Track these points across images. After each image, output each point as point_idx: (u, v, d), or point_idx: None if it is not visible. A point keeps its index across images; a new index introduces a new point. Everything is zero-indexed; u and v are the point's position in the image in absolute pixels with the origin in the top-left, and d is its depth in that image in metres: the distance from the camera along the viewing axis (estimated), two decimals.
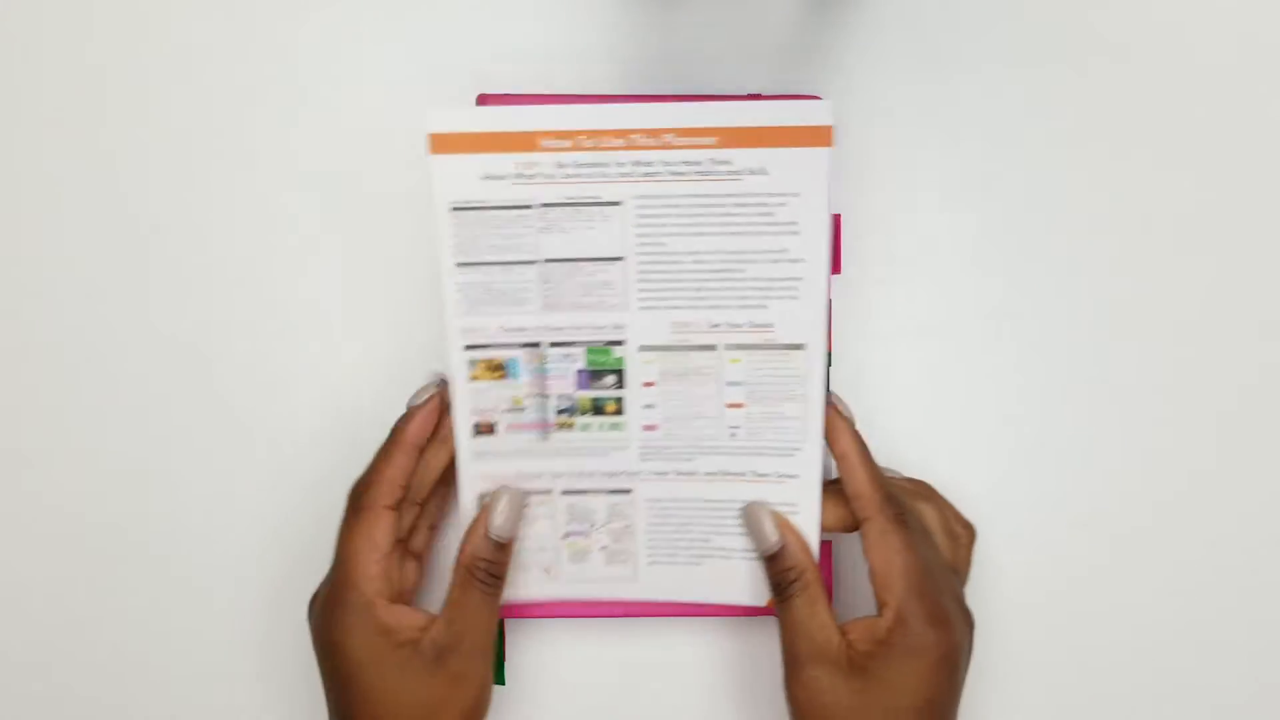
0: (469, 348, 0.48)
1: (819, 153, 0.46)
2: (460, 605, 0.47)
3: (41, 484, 0.53)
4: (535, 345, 0.48)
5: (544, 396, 0.48)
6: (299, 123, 0.54)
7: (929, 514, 0.49)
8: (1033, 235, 0.54)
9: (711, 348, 0.48)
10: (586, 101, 0.49)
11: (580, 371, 0.48)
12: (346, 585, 0.46)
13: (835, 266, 0.52)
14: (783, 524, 0.48)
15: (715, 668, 0.54)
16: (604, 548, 0.50)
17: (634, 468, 0.49)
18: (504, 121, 0.46)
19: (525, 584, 0.50)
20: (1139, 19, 0.54)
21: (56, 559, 0.53)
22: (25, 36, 0.54)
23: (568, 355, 0.48)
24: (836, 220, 0.52)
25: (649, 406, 0.49)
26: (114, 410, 0.53)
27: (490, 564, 0.47)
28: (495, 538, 0.48)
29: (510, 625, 0.53)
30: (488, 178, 0.46)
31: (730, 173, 0.46)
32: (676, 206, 0.47)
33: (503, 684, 0.52)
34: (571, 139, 0.46)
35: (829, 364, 0.51)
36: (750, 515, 0.49)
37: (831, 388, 0.50)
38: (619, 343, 0.48)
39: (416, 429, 0.48)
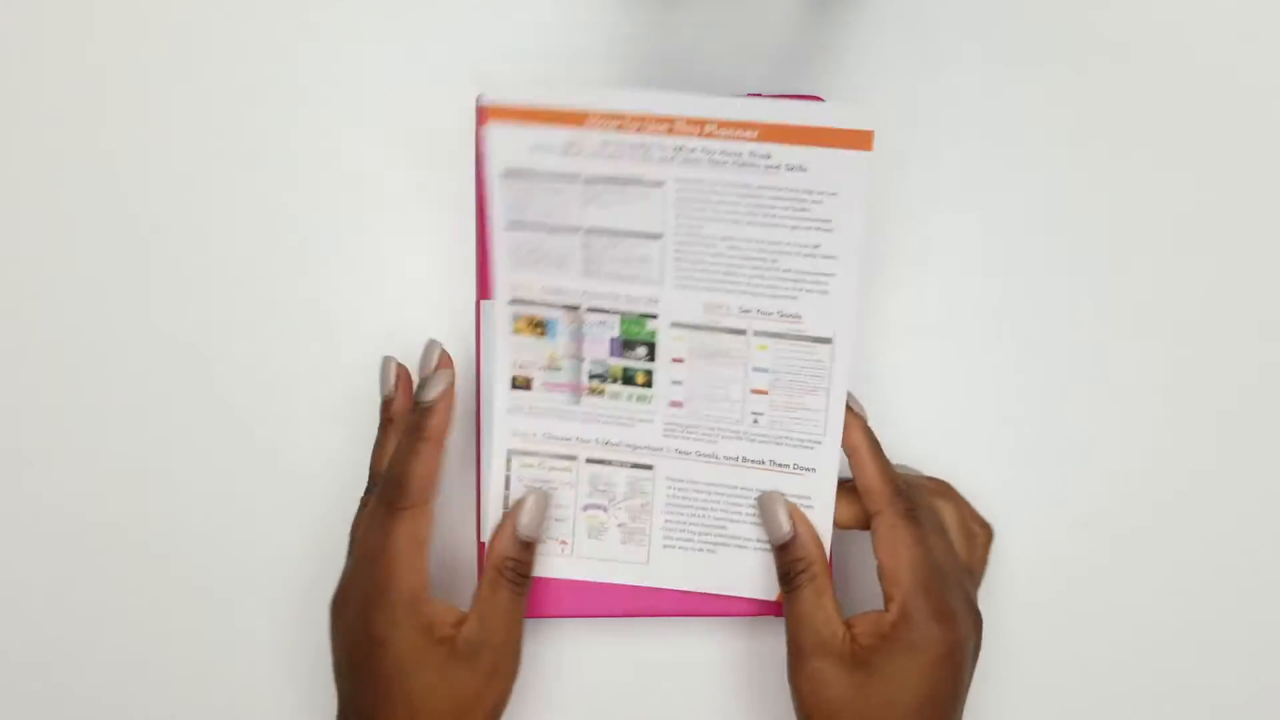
0: (513, 302, 0.49)
1: (861, 156, 0.47)
2: (490, 603, 0.47)
3: (41, 484, 0.53)
4: (574, 308, 0.49)
5: (579, 359, 0.50)
6: (299, 123, 0.54)
7: (947, 512, 0.49)
8: (1033, 235, 0.54)
9: (741, 332, 0.49)
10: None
11: (614, 339, 0.50)
12: (389, 582, 0.46)
13: None
14: (796, 514, 0.49)
15: (729, 668, 0.54)
16: (621, 525, 0.50)
17: (658, 443, 0.50)
18: (556, 98, 0.47)
19: (542, 560, 0.51)
20: (1139, 19, 0.54)
21: (56, 559, 0.53)
22: (25, 36, 0.54)
23: (603, 322, 0.49)
24: None
25: (676, 383, 0.50)
26: (114, 410, 0.53)
27: (518, 563, 0.48)
28: (523, 537, 0.48)
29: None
30: (537, 148, 0.48)
31: (769, 166, 0.47)
32: (715, 192, 0.48)
33: None
34: (618, 120, 0.47)
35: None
36: (765, 504, 0.49)
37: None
38: (652, 316, 0.49)
39: (442, 423, 0.48)
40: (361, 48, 0.54)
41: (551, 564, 0.51)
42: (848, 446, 0.49)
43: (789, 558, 0.48)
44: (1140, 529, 0.54)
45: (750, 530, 0.50)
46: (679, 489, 0.50)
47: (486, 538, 0.50)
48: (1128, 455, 0.54)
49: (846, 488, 0.49)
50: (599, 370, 0.50)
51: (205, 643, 0.53)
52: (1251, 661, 0.54)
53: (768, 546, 0.50)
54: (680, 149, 0.47)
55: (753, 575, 0.50)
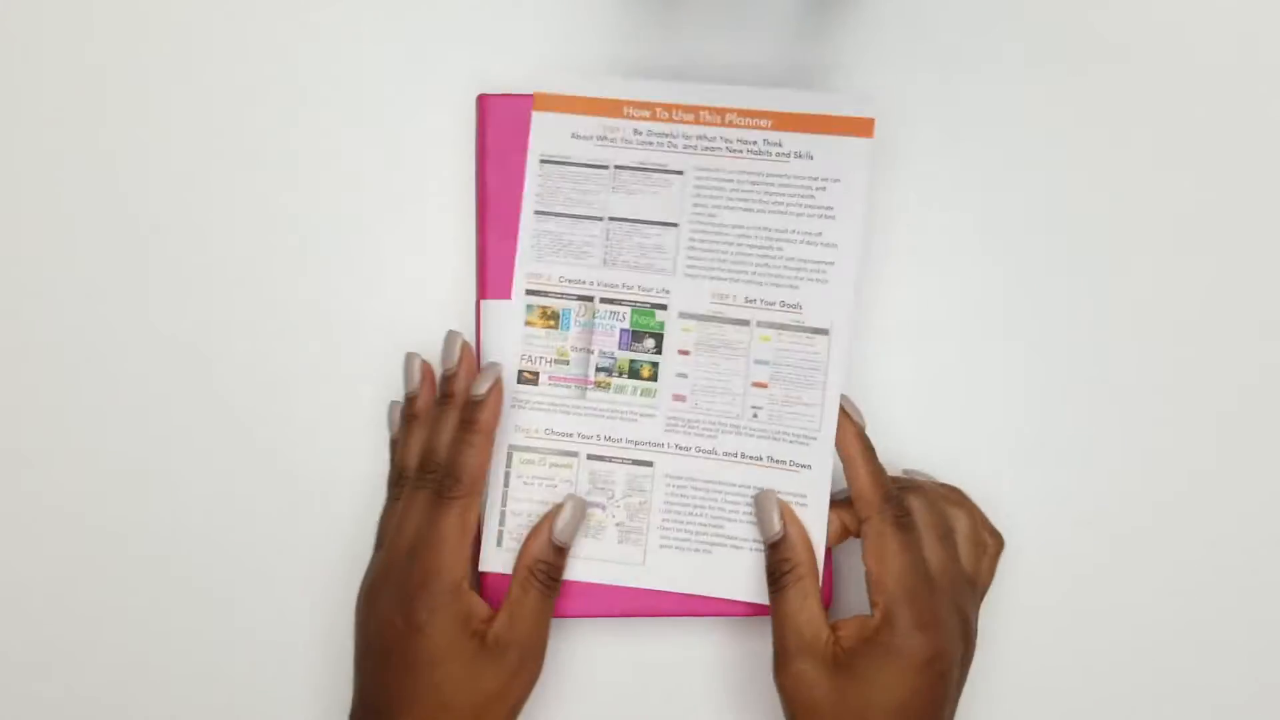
0: (530, 293, 0.51)
1: (863, 143, 0.50)
2: (520, 603, 0.48)
3: (41, 484, 0.53)
4: (589, 299, 0.51)
5: (588, 352, 0.51)
6: (299, 123, 0.54)
7: (960, 520, 0.49)
8: (1033, 235, 0.54)
9: (745, 322, 0.51)
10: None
11: (624, 331, 0.51)
12: (435, 569, 0.47)
13: None
14: (788, 514, 0.49)
15: (728, 667, 0.54)
16: (619, 524, 0.51)
17: (659, 439, 0.51)
18: (598, 88, 0.51)
19: None
20: (1139, 19, 0.54)
21: (56, 559, 0.53)
22: (25, 36, 0.54)
23: (615, 314, 0.51)
24: None
25: (681, 375, 0.51)
26: (114, 410, 0.53)
27: (550, 566, 0.49)
28: (558, 542, 0.49)
29: None
30: (575, 137, 0.51)
31: (780, 154, 0.50)
32: (730, 181, 0.51)
33: None
34: (651, 109, 0.51)
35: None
36: (759, 502, 0.50)
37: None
38: (663, 306, 0.51)
39: (493, 416, 0.49)
40: (361, 48, 0.54)
41: None
42: (842, 452, 0.49)
43: (778, 557, 0.49)
44: (1141, 529, 0.54)
45: (746, 530, 0.50)
46: (677, 486, 0.51)
47: (485, 534, 0.50)
48: (1128, 455, 0.54)
49: (845, 500, 0.50)
50: (606, 364, 0.51)
51: (205, 643, 0.53)
52: (1251, 661, 0.54)
53: (763, 547, 0.50)
54: (702, 138, 0.50)
55: (747, 577, 0.50)
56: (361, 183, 0.54)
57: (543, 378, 0.51)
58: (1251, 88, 0.54)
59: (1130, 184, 0.54)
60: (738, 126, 0.50)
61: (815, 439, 0.50)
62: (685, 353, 0.51)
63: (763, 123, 0.50)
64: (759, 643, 0.53)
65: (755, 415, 0.50)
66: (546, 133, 0.51)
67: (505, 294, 0.51)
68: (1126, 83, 0.54)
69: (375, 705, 0.47)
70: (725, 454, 0.51)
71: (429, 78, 0.54)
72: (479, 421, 0.49)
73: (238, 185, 0.54)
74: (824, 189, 0.50)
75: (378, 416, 0.53)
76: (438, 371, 0.52)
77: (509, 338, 0.51)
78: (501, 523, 0.50)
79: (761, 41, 0.54)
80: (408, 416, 0.51)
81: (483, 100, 0.52)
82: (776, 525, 0.49)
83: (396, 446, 0.51)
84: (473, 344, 0.52)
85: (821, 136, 0.50)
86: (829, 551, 0.51)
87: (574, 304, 0.51)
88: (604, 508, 0.51)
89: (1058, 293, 0.54)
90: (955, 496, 0.50)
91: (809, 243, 0.50)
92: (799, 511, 0.50)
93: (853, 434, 0.49)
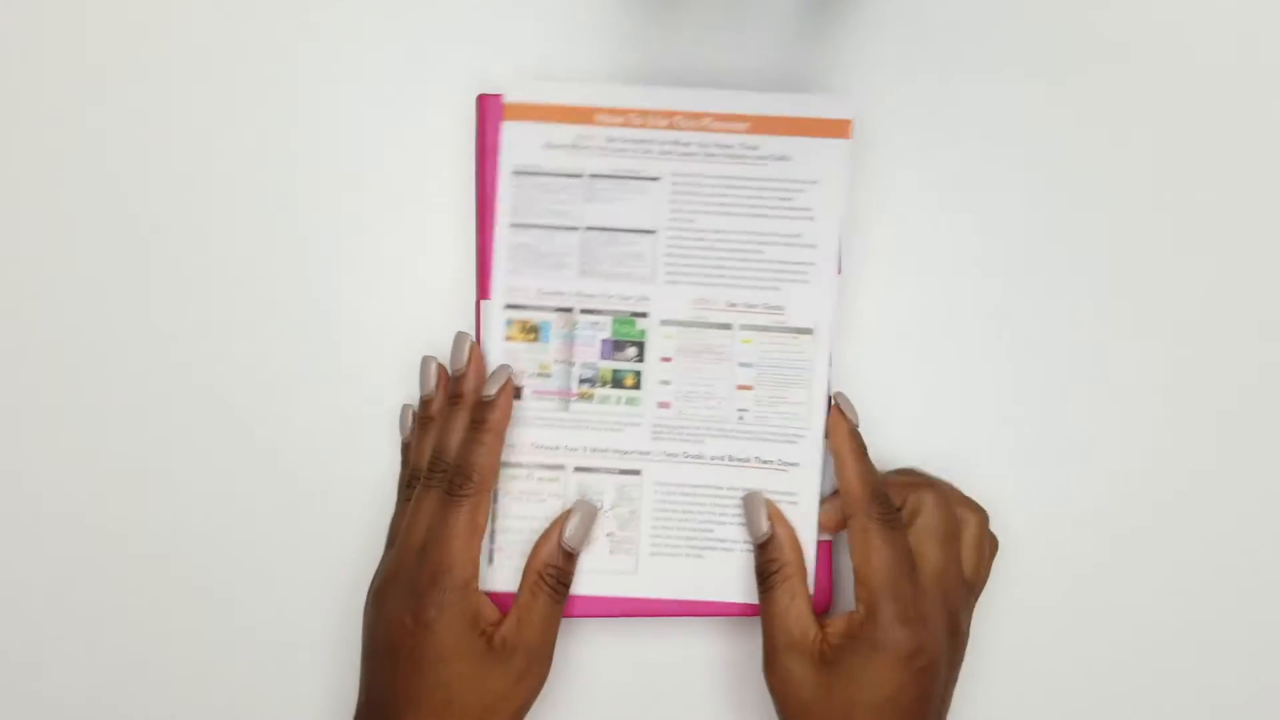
0: (509, 307, 0.51)
1: (839, 144, 0.50)
2: (529, 608, 0.48)
3: (41, 484, 0.53)
4: (568, 310, 0.51)
5: (569, 364, 0.51)
6: (299, 123, 0.54)
7: (970, 524, 0.49)
8: (1033, 235, 0.54)
9: (727, 326, 0.51)
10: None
11: (605, 341, 0.51)
12: (445, 565, 0.47)
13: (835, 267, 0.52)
14: (775, 515, 0.50)
15: (726, 666, 0.54)
16: (610, 534, 0.51)
17: (645, 447, 0.51)
18: (569, 95, 0.50)
19: None
20: (1139, 19, 0.54)
21: (56, 559, 0.53)
22: (25, 36, 0.54)
23: (595, 324, 0.51)
24: None
25: (665, 383, 0.51)
26: (114, 410, 0.53)
27: (560, 571, 0.49)
28: (567, 547, 0.49)
29: None
30: (549, 146, 0.50)
31: (757, 157, 0.50)
32: (708, 185, 0.50)
33: None
34: (624, 116, 0.50)
35: (830, 362, 0.51)
36: (747, 503, 0.50)
37: (834, 387, 0.51)
38: (643, 314, 0.51)
39: (503, 416, 0.49)
40: (361, 48, 0.54)
41: None
42: (833, 449, 0.49)
43: (765, 557, 0.49)
44: (1141, 529, 0.54)
45: (736, 532, 0.51)
46: (666, 493, 0.51)
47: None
48: (1128, 455, 0.54)
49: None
50: (589, 375, 0.51)
51: (204, 643, 0.53)
52: (1251, 661, 0.54)
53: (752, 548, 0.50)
54: (677, 143, 0.50)
55: (739, 579, 0.51)
56: (361, 183, 0.54)
57: (526, 392, 0.51)
58: (1251, 88, 0.54)
59: (1130, 184, 0.54)
60: (714, 130, 0.50)
61: (803, 437, 0.50)
62: (668, 359, 0.51)
63: (739, 126, 0.50)
64: (757, 642, 0.53)
65: (741, 417, 0.50)
66: (519, 143, 0.50)
67: None
68: (1126, 83, 0.54)
69: (381, 703, 0.47)
70: (713, 458, 0.51)
71: (429, 78, 0.54)
72: (489, 421, 0.49)
73: (238, 185, 0.54)
74: (802, 191, 0.50)
75: (378, 416, 0.53)
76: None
77: (490, 355, 0.51)
78: (491, 540, 0.50)
79: (761, 41, 0.54)
80: (422, 419, 0.51)
81: (483, 100, 0.52)
82: (764, 526, 0.49)
83: (409, 449, 0.51)
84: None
85: (798, 139, 0.50)
86: (829, 548, 0.51)
87: (553, 316, 0.51)
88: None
89: (1058, 293, 0.54)
90: (968, 500, 0.51)
91: (789, 244, 0.50)
92: (788, 510, 0.50)
93: (845, 431, 0.49)
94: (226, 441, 0.53)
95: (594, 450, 0.51)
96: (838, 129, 0.50)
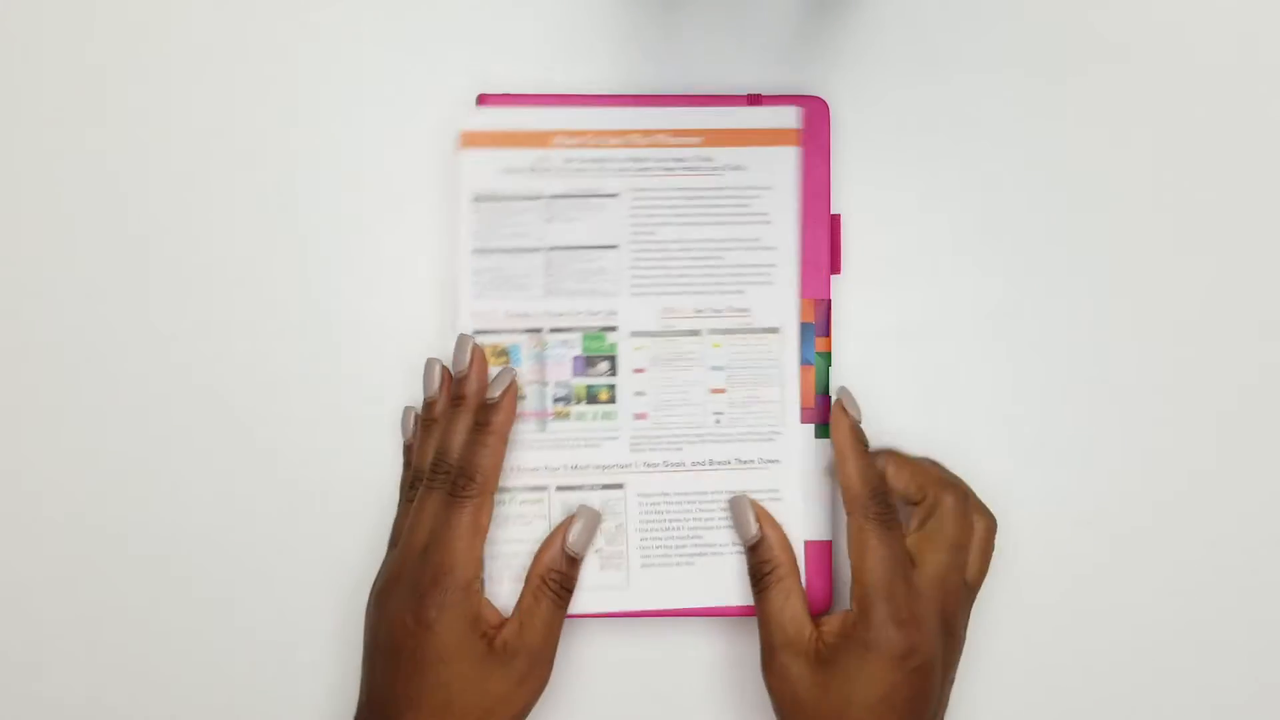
0: (477, 333, 0.51)
1: (790, 151, 0.51)
2: (531, 612, 0.48)
3: (41, 484, 0.53)
4: (537, 331, 0.51)
5: (543, 384, 0.51)
6: (299, 123, 0.54)
7: (980, 528, 0.50)
8: (1032, 235, 0.54)
9: (696, 333, 0.51)
10: (587, 102, 0.52)
11: (576, 358, 0.51)
12: (448, 566, 0.47)
13: (835, 266, 0.52)
14: (763, 516, 0.50)
15: (726, 666, 0.54)
16: (598, 551, 0.51)
17: (625, 460, 0.51)
18: (526, 121, 0.51)
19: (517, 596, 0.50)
20: (1139, 19, 0.54)
21: (56, 559, 0.53)
22: (25, 36, 0.54)
23: (565, 342, 0.51)
24: (836, 220, 0.52)
25: (639, 394, 0.51)
26: (114, 410, 0.53)
27: (563, 576, 0.49)
28: (570, 552, 0.49)
29: None
30: (507, 171, 0.51)
31: (713, 168, 0.51)
32: (666, 198, 0.51)
33: None
34: (579, 138, 0.51)
35: (829, 364, 0.51)
36: (733, 507, 0.51)
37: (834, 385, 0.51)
38: (612, 328, 0.51)
39: (507, 418, 0.49)
40: (361, 48, 0.54)
41: None
42: (834, 445, 0.49)
43: (757, 559, 0.50)
44: (1141, 529, 0.54)
45: (725, 535, 0.51)
46: (651, 504, 0.51)
47: None
48: (1128, 455, 0.54)
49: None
50: (562, 393, 0.51)
51: (204, 643, 0.53)
52: (1251, 661, 0.54)
53: (743, 550, 0.51)
54: (634, 159, 0.51)
55: (732, 583, 0.51)
56: (361, 183, 0.54)
57: None
58: (1251, 88, 0.54)
59: (1130, 184, 0.54)
60: (668, 146, 0.51)
61: (780, 433, 0.51)
62: (641, 370, 0.51)
63: (693, 140, 0.51)
64: (755, 641, 0.53)
65: (718, 420, 0.51)
66: (477, 170, 0.51)
67: None
68: (1126, 83, 0.54)
69: (382, 703, 0.47)
70: (694, 464, 0.51)
71: (429, 78, 0.54)
72: (493, 423, 0.49)
73: (238, 185, 0.54)
74: (758, 197, 0.51)
75: (378, 416, 0.53)
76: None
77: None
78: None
79: (761, 43, 0.54)
80: (424, 421, 0.51)
81: (483, 100, 0.52)
82: (753, 529, 0.50)
83: (411, 450, 0.51)
84: None
85: (751, 149, 0.51)
86: (829, 548, 0.51)
87: (523, 338, 0.51)
88: None
89: (1058, 293, 0.54)
90: (981, 505, 0.51)
91: (749, 248, 0.51)
92: (773, 506, 0.50)
93: (846, 427, 0.49)
94: (226, 441, 0.53)
95: (575, 468, 0.51)
96: (787, 138, 0.51)
